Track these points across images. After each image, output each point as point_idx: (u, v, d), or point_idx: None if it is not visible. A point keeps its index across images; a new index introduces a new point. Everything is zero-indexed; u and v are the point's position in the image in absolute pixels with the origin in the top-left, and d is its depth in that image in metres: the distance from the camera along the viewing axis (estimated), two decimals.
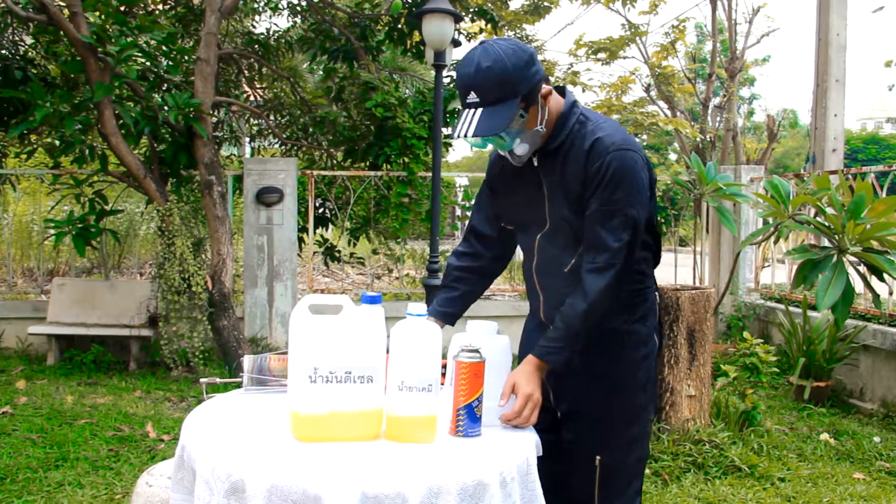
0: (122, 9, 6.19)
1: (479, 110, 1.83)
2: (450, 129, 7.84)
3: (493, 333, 1.91)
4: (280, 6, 8.60)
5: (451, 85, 7.91)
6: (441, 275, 6.62)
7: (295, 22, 8.92)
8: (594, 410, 2.01)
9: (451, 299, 2.15)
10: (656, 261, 2.11)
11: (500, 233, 2.18)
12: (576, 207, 1.92)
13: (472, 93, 1.83)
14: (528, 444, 1.72)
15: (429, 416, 1.69)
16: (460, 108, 1.92)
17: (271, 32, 8.66)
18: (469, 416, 1.72)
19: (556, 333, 1.91)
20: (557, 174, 1.96)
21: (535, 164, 2.00)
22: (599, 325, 1.95)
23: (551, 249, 2.02)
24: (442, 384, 2.01)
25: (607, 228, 1.88)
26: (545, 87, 1.91)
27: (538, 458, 1.76)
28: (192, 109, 5.78)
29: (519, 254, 2.21)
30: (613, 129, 1.92)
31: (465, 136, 1.83)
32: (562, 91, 2.01)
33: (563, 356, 1.90)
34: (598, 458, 1.93)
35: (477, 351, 1.75)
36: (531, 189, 2.02)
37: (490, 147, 2.02)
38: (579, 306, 1.89)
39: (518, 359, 2.09)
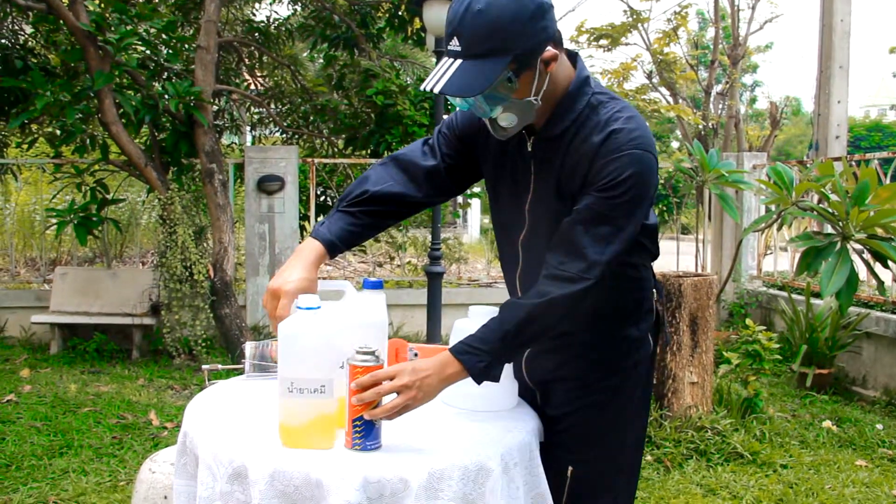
0: None
1: (458, 62, 1.50)
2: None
3: None
4: None
5: None
6: (443, 262, 6.62)
7: (295, 9, 8.89)
8: (575, 421, 1.80)
9: (351, 233, 1.72)
10: (655, 254, 1.86)
11: (444, 183, 1.82)
12: (570, 206, 1.62)
13: (456, 39, 1.50)
14: (531, 429, 1.71)
15: (324, 419, 1.52)
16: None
17: (271, 20, 8.64)
18: (366, 428, 1.50)
19: (483, 332, 1.58)
20: (556, 164, 1.64)
21: (529, 148, 1.69)
22: (587, 332, 1.75)
23: (536, 255, 1.71)
24: None
25: (591, 234, 1.55)
26: (550, 51, 1.54)
27: None
28: (192, 98, 5.76)
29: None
30: (632, 122, 1.57)
31: (432, 90, 1.50)
32: (574, 59, 1.66)
33: (482, 360, 1.55)
34: (570, 468, 1.74)
35: (373, 353, 1.51)
36: (519, 177, 1.72)
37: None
38: (524, 308, 1.57)
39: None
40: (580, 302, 1.58)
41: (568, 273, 1.56)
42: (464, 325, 1.86)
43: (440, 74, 1.51)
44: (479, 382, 1.59)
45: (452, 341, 1.81)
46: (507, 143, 1.73)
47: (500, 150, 1.74)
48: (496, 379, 1.62)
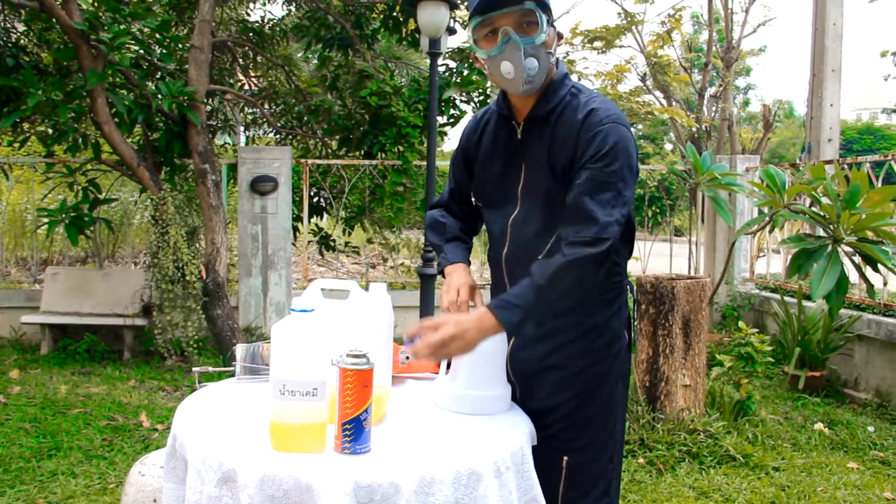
0: None
1: None
2: (444, 117, 7.81)
3: None
4: None
5: (447, 73, 7.87)
6: (435, 264, 6.61)
7: (290, 10, 8.87)
8: (567, 409, 1.88)
9: (466, 250, 2.09)
10: (629, 253, 1.99)
11: (467, 209, 2.13)
12: (561, 184, 1.79)
13: None
14: (523, 433, 1.71)
15: (316, 422, 1.52)
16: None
17: (266, 20, 8.61)
18: (356, 431, 1.50)
19: (517, 289, 1.74)
20: (544, 145, 1.83)
21: (520, 135, 1.89)
22: (575, 320, 1.86)
23: (525, 234, 1.88)
24: (436, 373, 2.01)
25: (597, 201, 1.71)
26: (558, 29, 1.85)
27: None
28: (185, 98, 5.74)
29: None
30: (608, 103, 1.81)
31: None
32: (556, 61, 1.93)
33: (515, 315, 1.69)
34: (565, 458, 1.83)
35: (364, 356, 1.52)
36: (508, 163, 1.91)
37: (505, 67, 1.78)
38: (550, 265, 1.71)
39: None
40: (603, 261, 1.73)
41: (586, 237, 1.71)
42: None
43: None
44: (511, 336, 1.79)
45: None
46: (498, 135, 1.94)
47: (492, 143, 1.96)
48: (527, 334, 1.79)
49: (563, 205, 1.78)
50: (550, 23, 1.78)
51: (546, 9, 1.76)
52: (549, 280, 1.70)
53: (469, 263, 2.05)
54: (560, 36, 1.85)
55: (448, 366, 1.86)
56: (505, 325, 1.70)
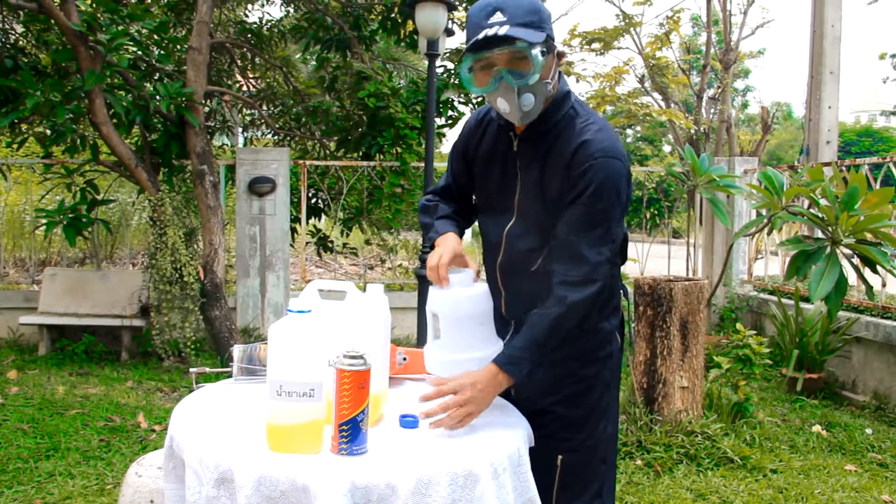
0: None
1: (507, 27, 1.69)
2: (442, 119, 7.81)
3: (469, 283, 1.84)
4: None
5: (445, 74, 7.88)
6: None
7: (288, 11, 8.87)
8: (559, 410, 1.91)
9: (457, 225, 2.05)
10: (623, 260, 2.01)
11: (464, 204, 2.12)
12: (551, 207, 1.82)
13: (499, 13, 1.70)
14: (520, 435, 1.71)
15: (313, 423, 1.52)
16: (464, 48, 1.78)
17: (264, 21, 8.62)
18: (353, 432, 1.50)
19: (521, 342, 1.77)
20: (537, 166, 1.84)
21: (515, 148, 1.89)
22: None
23: (520, 246, 1.89)
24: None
25: (587, 240, 1.75)
26: (561, 48, 1.81)
27: None
28: (183, 99, 5.74)
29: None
30: (602, 133, 1.79)
31: (497, 34, 1.67)
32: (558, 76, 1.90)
33: (524, 368, 1.74)
34: (559, 457, 1.84)
35: (361, 357, 1.52)
36: (506, 172, 1.91)
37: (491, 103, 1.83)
38: (549, 315, 1.75)
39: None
40: (596, 300, 1.78)
41: (577, 278, 1.76)
42: (435, 294, 1.84)
43: (496, 27, 1.69)
44: (523, 385, 1.80)
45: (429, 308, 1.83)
46: (497, 144, 1.93)
47: (491, 148, 1.95)
48: (539, 382, 1.84)
49: (554, 226, 1.81)
50: (550, 50, 1.77)
51: (541, 43, 1.73)
52: (550, 333, 1.75)
53: (461, 235, 2.03)
54: (561, 55, 1.81)
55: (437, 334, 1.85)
56: (515, 378, 1.75)
